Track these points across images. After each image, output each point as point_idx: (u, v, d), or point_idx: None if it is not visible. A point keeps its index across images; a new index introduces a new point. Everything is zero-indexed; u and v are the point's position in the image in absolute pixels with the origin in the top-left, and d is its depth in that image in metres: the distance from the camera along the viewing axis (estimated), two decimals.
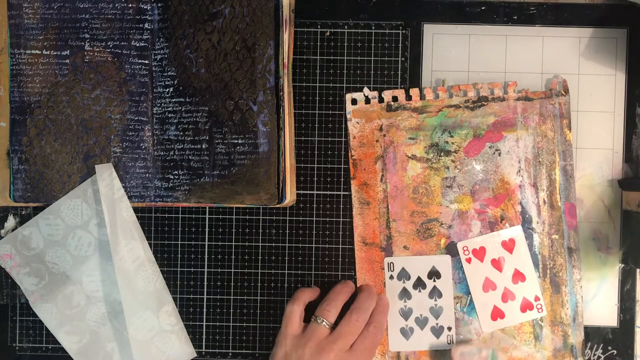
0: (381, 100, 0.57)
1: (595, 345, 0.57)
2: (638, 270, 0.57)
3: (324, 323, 0.53)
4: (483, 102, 0.56)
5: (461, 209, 0.57)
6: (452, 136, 0.57)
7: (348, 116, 0.57)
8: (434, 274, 0.57)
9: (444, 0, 0.57)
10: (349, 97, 0.57)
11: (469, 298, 0.57)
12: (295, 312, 0.54)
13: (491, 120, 0.56)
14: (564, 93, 0.56)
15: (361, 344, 0.53)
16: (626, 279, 0.57)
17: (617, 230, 0.57)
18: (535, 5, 0.57)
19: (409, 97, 0.57)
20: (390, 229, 0.57)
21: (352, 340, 0.53)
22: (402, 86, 0.57)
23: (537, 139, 0.56)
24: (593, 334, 0.57)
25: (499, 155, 0.56)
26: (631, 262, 0.56)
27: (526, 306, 0.56)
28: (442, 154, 0.57)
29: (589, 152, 0.57)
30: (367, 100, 0.57)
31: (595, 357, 0.57)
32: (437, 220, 0.57)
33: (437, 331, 0.57)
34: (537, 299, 0.56)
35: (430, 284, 0.57)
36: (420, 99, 0.57)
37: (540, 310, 0.56)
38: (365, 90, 0.57)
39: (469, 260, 0.56)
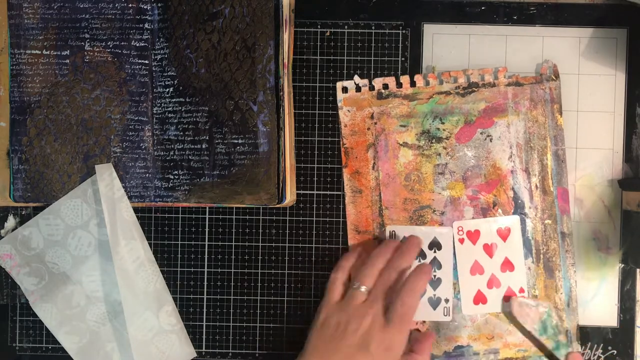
0: (372, 88, 0.57)
1: (595, 345, 0.57)
2: (638, 270, 0.57)
3: (361, 288, 0.52)
4: (473, 88, 0.56)
5: (453, 196, 0.57)
6: (443, 123, 0.57)
7: (339, 104, 0.57)
8: (435, 245, 0.57)
9: (444, 0, 0.57)
10: (339, 85, 0.57)
11: None
12: (337, 279, 0.54)
13: (482, 106, 0.57)
14: (554, 78, 0.56)
15: (394, 311, 0.51)
16: (626, 279, 0.57)
17: (617, 230, 0.57)
18: (535, 5, 0.57)
19: (399, 85, 0.57)
20: (383, 217, 0.57)
21: (385, 300, 0.52)
22: (393, 73, 0.57)
23: (528, 124, 0.56)
24: (593, 334, 0.57)
25: (491, 141, 0.57)
26: (631, 262, 0.56)
27: (509, 296, 0.56)
28: (433, 140, 0.57)
29: (589, 152, 0.57)
30: (358, 89, 0.57)
31: (595, 357, 0.57)
32: (430, 207, 0.57)
33: (434, 302, 0.57)
34: (521, 290, 0.56)
35: (430, 254, 0.57)
36: (411, 86, 0.57)
37: None
38: (356, 78, 0.57)
39: (461, 241, 0.56)
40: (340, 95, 0.57)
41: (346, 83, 0.57)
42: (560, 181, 0.56)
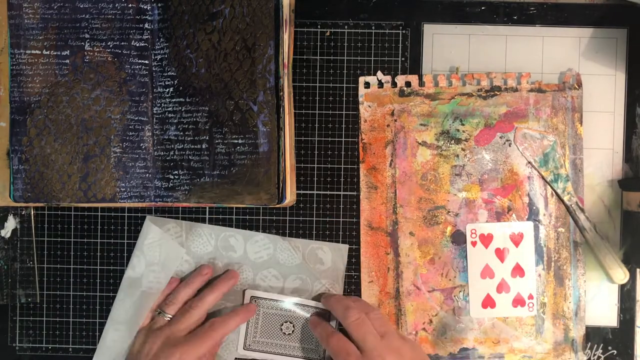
0: (394, 85, 0.57)
1: (595, 345, 0.57)
2: (638, 270, 0.57)
3: (163, 315, 0.55)
4: (496, 92, 0.56)
5: (469, 198, 0.57)
6: (463, 124, 0.57)
7: (360, 99, 0.57)
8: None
9: (444, 0, 0.57)
10: (362, 80, 0.57)
11: None
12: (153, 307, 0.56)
13: (503, 110, 0.57)
14: (577, 87, 0.56)
15: (184, 322, 0.54)
16: None
17: (617, 230, 0.57)
18: (535, 5, 0.57)
19: (422, 83, 0.57)
20: (396, 214, 0.57)
21: (186, 323, 0.54)
22: (393, 73, 0.57)
23: (548, 131, 0.56)
24: (593, 334, 0.57)
25: (509, 146, 0.57)
26: (632, 262, 0.56)
27: (518, 302, 0.56)
28: (452, 141, 0.57)
29: (589, 152, 0.57)
30: (380, 84, 0.57)
31: (595, 357, 0.57)
32: (444, 207, 0.57)
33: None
34: (530, 297, 0.56)
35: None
36: (434, 86, 0.57)
37: (531, 309, 0.56)
38: (379, 74, 0.57)
39: (474, 244, 0.56)
40: (362, 90, 0.57)
41: (369, 78, 0.57)
42: (577, 190, 0.56)
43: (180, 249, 0.57)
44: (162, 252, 0.57)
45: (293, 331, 0.57)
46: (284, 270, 0.57)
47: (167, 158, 0.55)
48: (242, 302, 0.57)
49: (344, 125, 0.58)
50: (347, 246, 0.57)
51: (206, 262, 0.57)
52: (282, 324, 0.57)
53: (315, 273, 0.57)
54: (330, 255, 0.57)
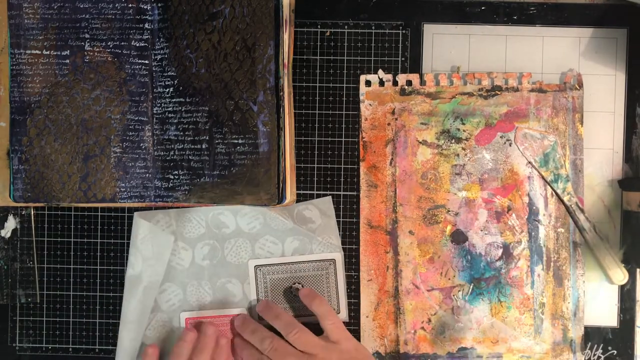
0: (395, 83, 0.57)
1: (595, 345, 0.57)
2: (638, 270, 0.57)
3: None
4: (497, 92, 0.57)
5: (469, 197, 0.57)
6: (463, 124, 0.57)
7: (361, 97, 0.57)
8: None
9: (444, 0, 0.57)
10: (362, 78, 0.57)
11: (471, 286, 0.57)
12: None
13: (504, 110, 0.57)
14: (578, 87, 0.56)
15: None
16: None
17: (617, 230, 0.57)
18: (535, 5, 0.57)
19: (423, 82, 0.57)
20: (396, 213, 0.57)
21: None
22: (393, 73, 0.57)
23: (548, 131, 0.56)
24: (593, 334, 0.57)
25: (510, 146, 0.57)
26: (631, 262, 0.56)
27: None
28: (452, 141, 0.57)
29: (589, 152, 0.57)
30: (381, 83, 0.57)
31: (595, 357, 0.57)
32: (444, 207, 0.57)
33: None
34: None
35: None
36: (435, 85, 0.57)
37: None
38: (380, 72, 0.57)
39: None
40: (362, 88, 0.57)
41: (370, 77, 0.57)
42: (577, 190, 0.56)
43: (169, 236, 0.57)
44: (154, 245, 0.57)
45: None
46: (280, 235, 0.57)
47: (167, 158, 0.55)
48: (247, 274, 0.57)
49: (344, 125, 0.58)
50: (329, 197, 0.57)
51: (202, 247, 0.57)
52: (292, 286, 0.57)
53: (309, 233, 0.57)
54: (317, 211, 0.57)
